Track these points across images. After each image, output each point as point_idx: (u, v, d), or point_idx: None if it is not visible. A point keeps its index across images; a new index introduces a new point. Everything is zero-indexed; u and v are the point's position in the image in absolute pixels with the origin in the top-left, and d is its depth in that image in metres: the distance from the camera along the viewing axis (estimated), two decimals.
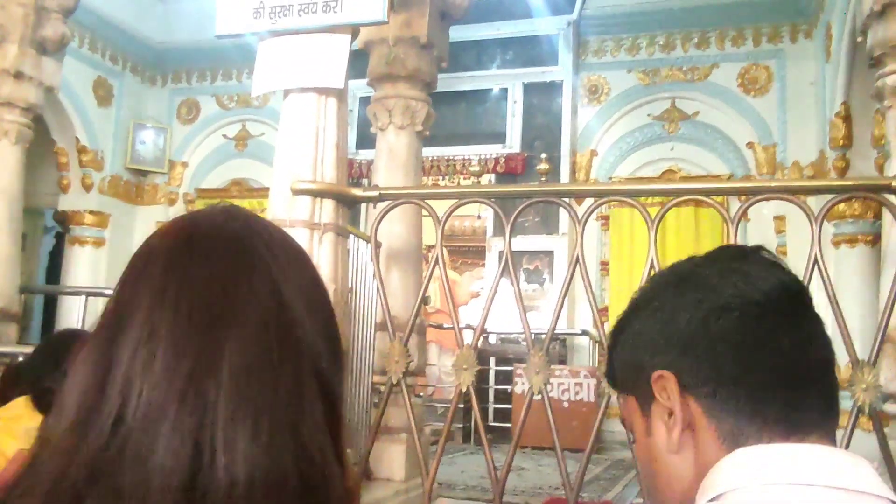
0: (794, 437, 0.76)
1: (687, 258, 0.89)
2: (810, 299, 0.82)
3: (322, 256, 2.94)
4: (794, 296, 0.80)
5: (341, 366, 0.72)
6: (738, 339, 0.78)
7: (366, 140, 7.12)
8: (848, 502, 0.69)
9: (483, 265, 9.66)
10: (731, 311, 0.79)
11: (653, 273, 2.45)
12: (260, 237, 0.69)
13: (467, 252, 12.43)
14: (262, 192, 8.46)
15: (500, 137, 8.67)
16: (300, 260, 0.73)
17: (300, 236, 2.88)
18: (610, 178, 8.35)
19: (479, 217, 11.30)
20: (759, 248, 0.85)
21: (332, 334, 0.72)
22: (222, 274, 0.65)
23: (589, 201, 2.78)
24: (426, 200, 3.02)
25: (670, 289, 0.85)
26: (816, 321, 0.81)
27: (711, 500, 0.71)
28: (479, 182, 8.57)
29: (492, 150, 8.64)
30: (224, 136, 9.91)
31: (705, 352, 0.79)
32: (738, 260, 0.84)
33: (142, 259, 0.68)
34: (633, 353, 0.86)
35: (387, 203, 2.96)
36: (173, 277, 0.65)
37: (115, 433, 0.60)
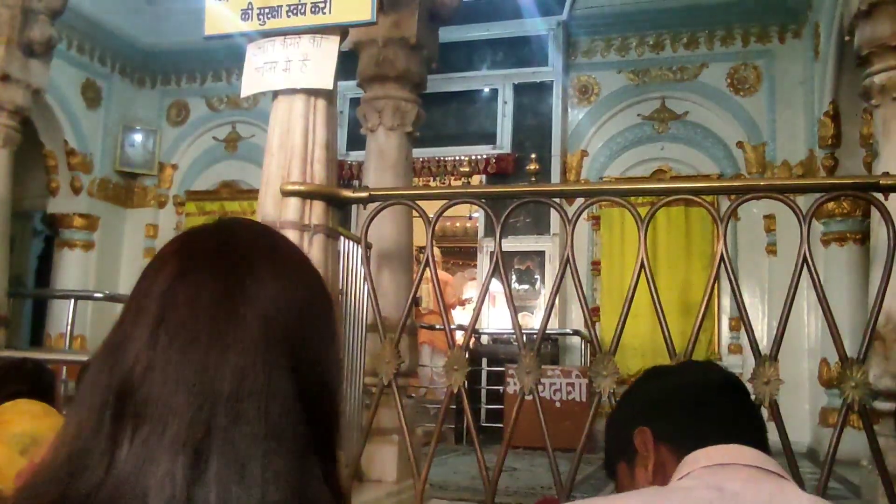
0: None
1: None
2: (745, 388, 1.19)
3: (312, 258, 2.93)
4: (733, 384, 1.16)
5: (341, 373, 0.72)
6: (693, 406, 1.11)
7: (356, 141, 7.11)
8: (760, 478, 0.99)
9: (474, 266, 9.66)
10: (689, 388, 1.14)
11: (643, 272, 2.46)
12: (250, 267, 0.69)
13: (459, 252, 12.45)
14: (253, 193, 8.43)
15: (490, 138, 8.67)
16: (295, 273, 0.72)
17: (290, 238, 2.87)
18: (600, 178, 8.36)
19: (470, 217, 11.31)
20: (710, 362, 1.32)
21: (332, 345, 0.72)
22: (211, 317, 0.65)
23: (579, 201, 2.78)
24: (416, 201, 3.02)
25: (644, 379, 1.24)
26: (750, 401, 1.17)
27: (678, 480, 1.03)
28: (469, 183, 8.57)
29: (482, 151, 8.64)
30: (214, 137, 9.88)
31: (670, 414, 1.12)
32: (694, 364, 1.36)
33: (136, 297, 0.68)
34: (619, 425, 1.18)
35: (377, 204, 2.95)
36: (167, 314, 0.65)
37: (108, 476, 0.60)
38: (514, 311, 2.74)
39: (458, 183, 8.50)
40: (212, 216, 8.65)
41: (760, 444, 1.07)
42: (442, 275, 9.50)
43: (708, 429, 1.06)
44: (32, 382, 2.31)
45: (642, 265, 2.48)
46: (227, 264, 0.68)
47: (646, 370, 1.27)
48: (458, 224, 12.19)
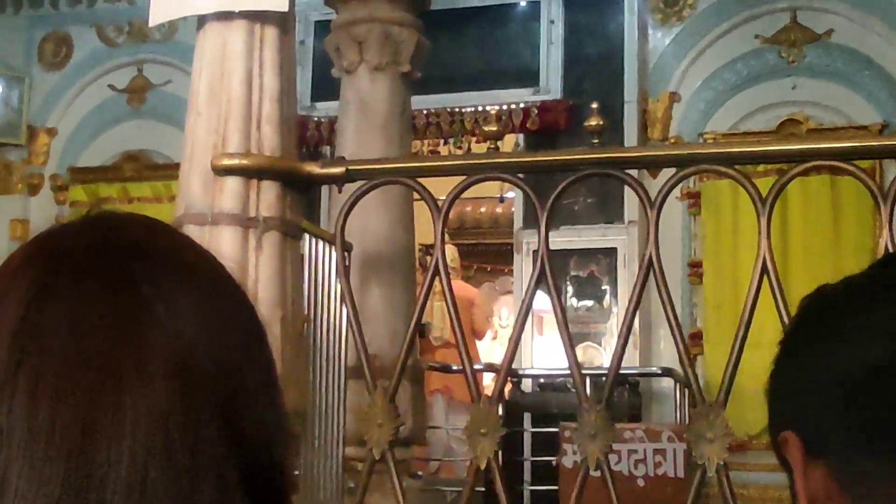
0: None
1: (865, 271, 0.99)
2: None
3: (262, 269, 2.95)
4: None
5: (286, 434, 0.73)
6: (887, 398, 0.85)
7: (326, 88, 7.13)
8: None
9: (510, 272, 9.66)
10: (883, 367, 0.86)
11: (766, 278, 2.46)
12: (148, 275, 0.69)
13: (486, 253, 12.45)
14: (171, 170, 8.48)
15: (530, 77, 8.68)
16: (213, 285, 0.73)
17: (227, 238, 2.89)
18: (700, 136, 8.35)
19: (501, 200, 11.31)
20: None
21: (271, 391, 0.73)
22: (97, 353, 0.65)
23: (667, 172, 2.78)
24: (418, 178, 3.03)
25: (813, 324, 0.98)
26: None
27: None
28: (499, 147, 8.58)
29: (518, 98, 8.64)
30: (111, 86, 9.93)
31: (847, 409, 0.88)
32: None
33: None
34: (771, 408, 0.99)
35: (359, 184, 2.97)
36: (25, 355, 0.65)
37: None
38: (571, 341, 2.74)
39: (483, 148, 8.50)
40: (111, 204, 8.69)
41: None
42: (460, 287, 9.50)
43: None
44: None
45: (765, 268, 2.47)
46: (114, 273, 0.68)
47: (829, 286, 1.00)
48: (482, 210, 12.19)
